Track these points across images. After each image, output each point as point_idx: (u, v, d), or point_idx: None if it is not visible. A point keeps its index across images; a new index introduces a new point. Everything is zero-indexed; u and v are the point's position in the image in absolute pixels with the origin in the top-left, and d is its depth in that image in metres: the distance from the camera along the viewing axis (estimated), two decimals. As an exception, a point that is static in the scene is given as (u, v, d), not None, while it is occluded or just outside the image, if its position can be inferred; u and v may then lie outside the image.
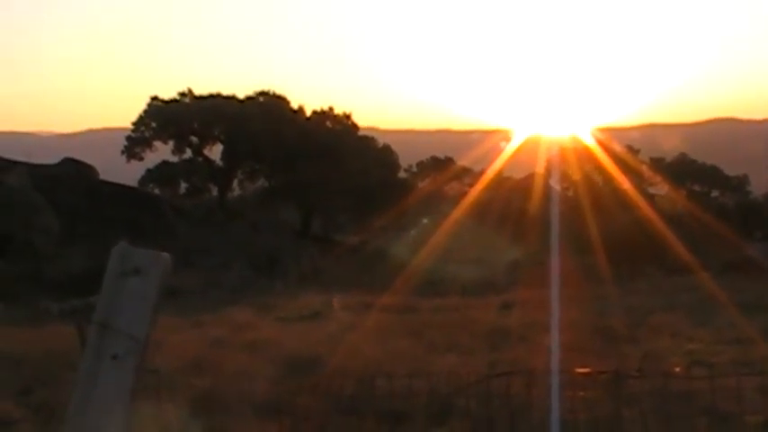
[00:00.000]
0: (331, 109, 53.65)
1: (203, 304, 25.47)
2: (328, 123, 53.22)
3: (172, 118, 50.42)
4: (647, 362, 12.43)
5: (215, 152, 52.05)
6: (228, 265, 37.62)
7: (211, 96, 51.94)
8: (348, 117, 53.93)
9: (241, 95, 52.49)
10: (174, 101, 51.48)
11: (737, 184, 61.22)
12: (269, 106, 51.58)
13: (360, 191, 51.21)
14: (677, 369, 10.54)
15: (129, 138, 51.56)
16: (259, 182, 54.04)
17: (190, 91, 51.80)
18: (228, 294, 29.44)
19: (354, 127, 54.42)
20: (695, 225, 44.94)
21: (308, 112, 53.25)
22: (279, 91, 52.89)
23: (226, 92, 52.63)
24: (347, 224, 54.09)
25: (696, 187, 60.07)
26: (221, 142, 51.63)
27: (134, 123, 51.52)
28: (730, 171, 62.56)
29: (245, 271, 37.46)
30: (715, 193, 61.12)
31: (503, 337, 15.88)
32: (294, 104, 53.01)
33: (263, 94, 52.69)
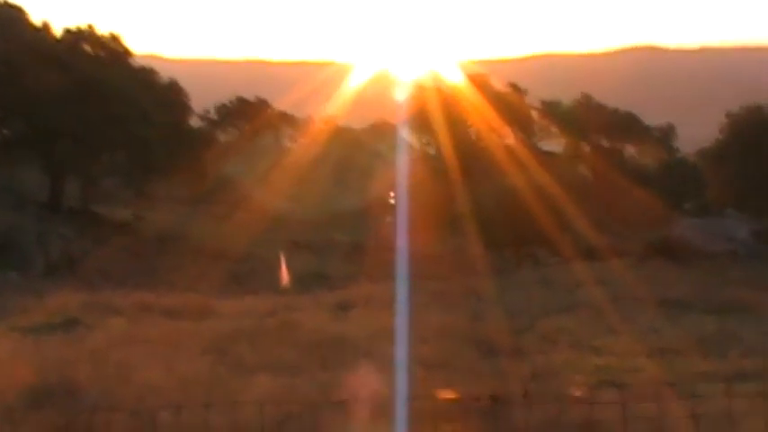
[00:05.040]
0: (91, 28, 52.86)
1: None
2: (87, 47, 52.46)
3: None
4: (537, 383, 12.75)
5: None
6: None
7: None
8: (116, 39, 53.21)
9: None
10: None
11: (661, 137, 62.81)
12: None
13: (134, 145, 50.64)
14: (578, 392, 10.85)
15: None
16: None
17: None
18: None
19: (126, 54, 53.77)
20: (605, 194, 46.23)
21: (58, 32, 52.40)
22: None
23: None
24: (116, 192, 53.54)
25: (605, 142, 61.54)
26: None
27: None
28: (651, 119, 64.18)
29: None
30: (631, 150, 62.80)
31: (338, 351, 15.99)
32: (36, 19, 52.11)
33: (-14, -1, 51.59)
